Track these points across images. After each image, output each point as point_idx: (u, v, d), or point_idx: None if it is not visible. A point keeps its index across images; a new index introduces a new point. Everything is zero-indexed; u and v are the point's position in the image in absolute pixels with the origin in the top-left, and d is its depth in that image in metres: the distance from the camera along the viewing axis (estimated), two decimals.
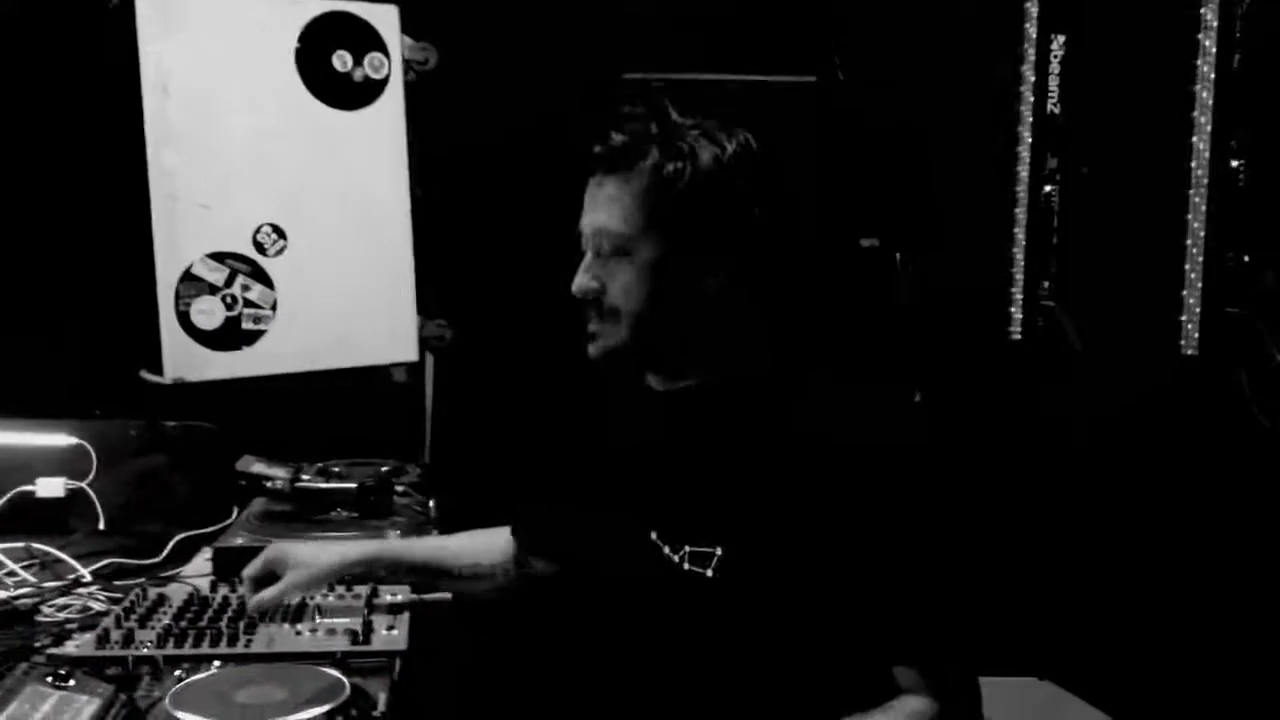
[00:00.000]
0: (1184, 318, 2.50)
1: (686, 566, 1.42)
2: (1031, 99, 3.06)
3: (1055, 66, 3.06)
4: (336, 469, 2.26)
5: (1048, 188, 3.06)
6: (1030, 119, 3.06)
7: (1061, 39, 3.03)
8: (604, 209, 1.42)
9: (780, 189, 1.42)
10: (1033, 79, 3.07)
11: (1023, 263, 3.05)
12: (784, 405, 1.42)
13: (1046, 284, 3.04)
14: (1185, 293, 2.48)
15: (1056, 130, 3.08)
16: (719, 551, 1.40)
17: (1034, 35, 3.13)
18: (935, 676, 1.37)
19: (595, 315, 1.45)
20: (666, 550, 1.45)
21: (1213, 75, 2.45)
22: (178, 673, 1.40)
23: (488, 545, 1.81)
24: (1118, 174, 2.86)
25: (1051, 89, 3.06)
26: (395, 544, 1.84)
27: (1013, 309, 3.08)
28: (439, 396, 2.88)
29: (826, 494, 1.35)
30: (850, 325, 2.89)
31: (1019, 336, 3.09)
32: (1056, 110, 3.04)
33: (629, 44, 3.00)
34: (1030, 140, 3.07)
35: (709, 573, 1.40)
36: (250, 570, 1.62)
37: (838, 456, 1.36)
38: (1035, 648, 2.63)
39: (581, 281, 1.45)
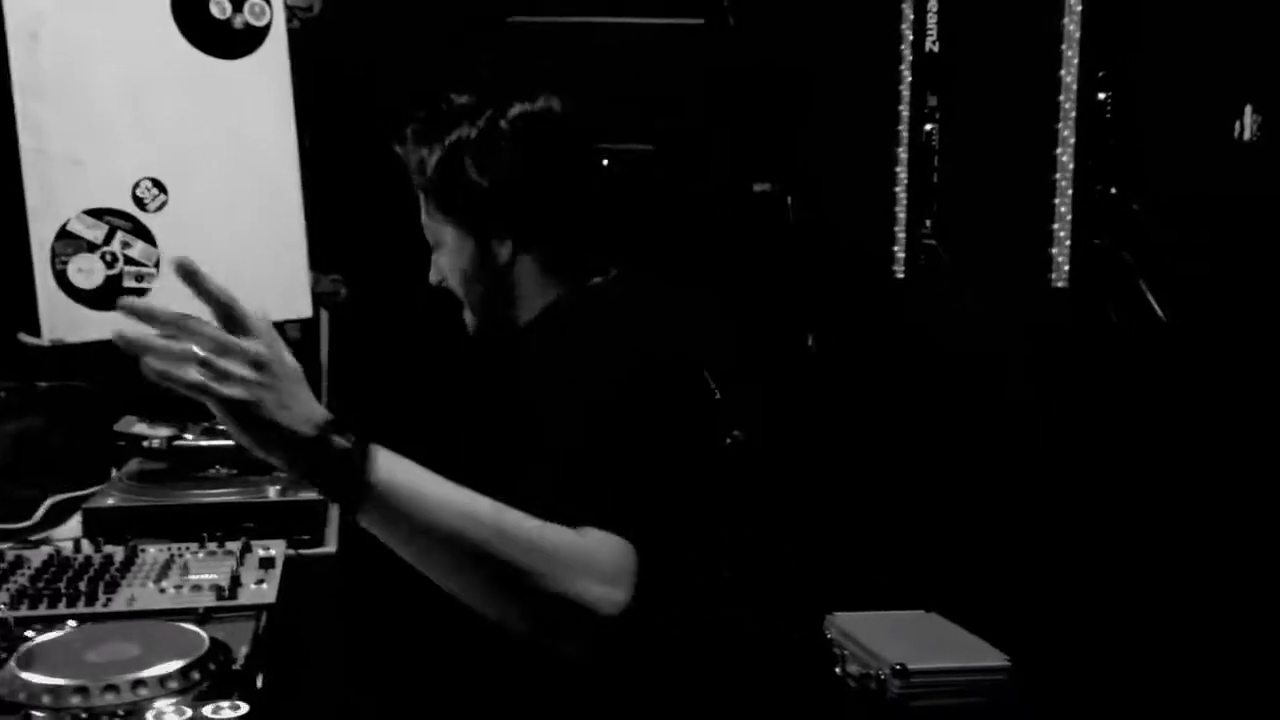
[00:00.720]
0: (1054, 250, 2.55)
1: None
2: (911, 37, 3.07)
3: (934, 4, 3.06)
4: (222, 427, 2.22)
5: (928, 126, 3.08)
6: (910, 57, 3.07)
7: None
8: (422, 209, 1.60)
9: (550, 151, 1.52)
10: (912, 17, 3.07)
11: (905, 201, 3.07)
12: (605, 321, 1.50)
13: (928, 222, 3.07)
14: (1055, 226, 2.52)
15: (936, 68, 3.09)
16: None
17: None
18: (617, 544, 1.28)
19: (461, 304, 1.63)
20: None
21: (1079, 7, 2.46)
22: (29, 633, 1.37)
23: None
24: (992, 110, 2.89)
25: (930, 27, 3.07)
26: None
27: (895, 248, 3.11)
28: (334, 352, 2.84)
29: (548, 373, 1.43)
30: (743, 269, 2.90)
31: (902, 275, 3.13)
32: (936, 48, 3.05)
33: None
34: (910, 79, 3.08)
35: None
36: None
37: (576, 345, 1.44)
38: (923, 583, 2.69)
39: (430, 275, 1.64)
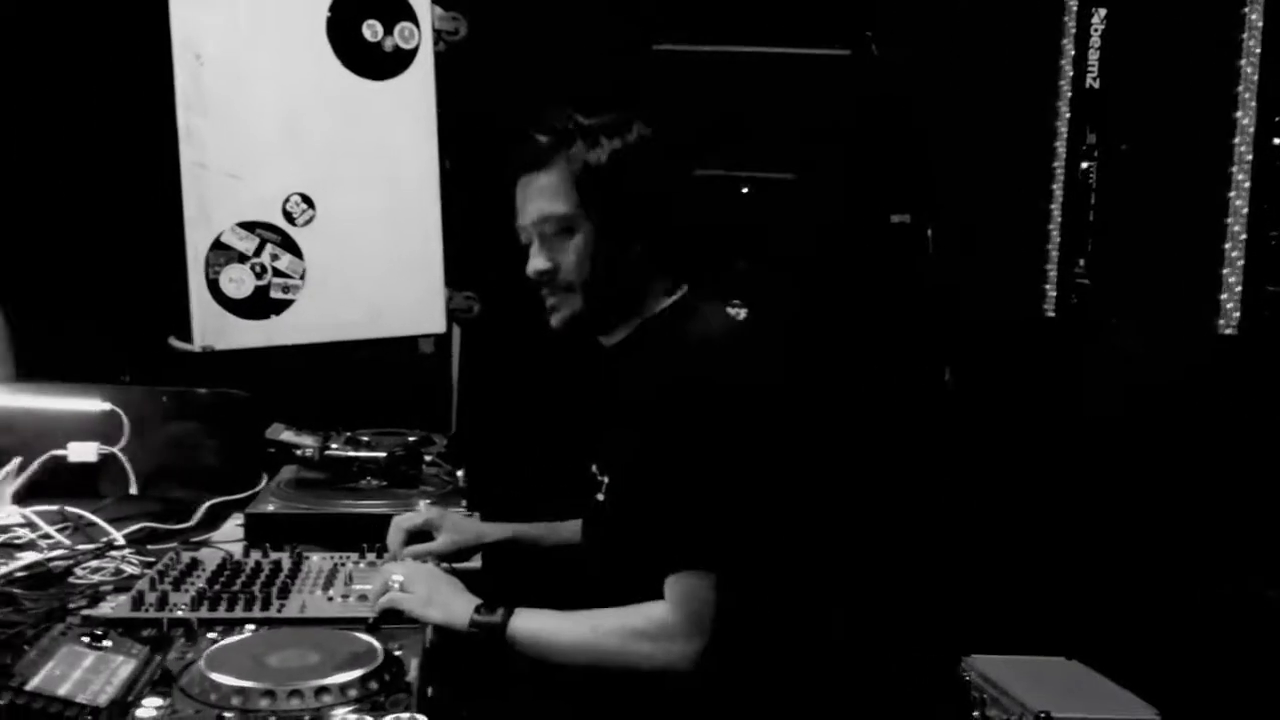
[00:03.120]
0: (1224, 296, 2.46)
1: (598, 495, 1.68)
2: (1071, 73, 3.02)
3: (1095, 40, 3.01)
4: (364, 438, 2.26)
5: (1085, 164, 3.02)
6: (1069, 93, 3.02)
7: (1103, 12, 2.99)
8: (543, 198, 1.62)
9: (676, 172, 1.67)
10: (1073, 53, 3.02)
11: (1058, 239, 3.01)
12: (668, 352, 1.61)
13: (1082, 261, 3.00)
14: (1226, 271, 2.44)
15: (1096, 105, 3.03)
16: (606, 480, 1.66)
17: (1074, 8, 3.09)
18: (681, 590, 1.48)
19: (550, 292, 1.66)
20: (598, 479, 1.69)
21: (1259, 50, 2.39)
22: (211, 635, 1.41)
23: None
24: (1157, 150, 2.81)
25: (1091, 63, 3.02)
26: (526, 528, 1.99)
27: (1047, 286, 3.04)
28: (465, 368, 2.88)
29: (653, 422, 1.54)
30: (879, 300, 2.87)
31: (1053, 314, 3.06)
32: (1096, 85, 2.99)
33: (660, 14, 2.97)
34: (1069, 115, 3.02)
35: (601, 497, 1.67)
36: (408, 523, 1.84)
37: (676, 393, 1.54)
38: (1065, 628, 2.62)
39: (536, 264, 1.64)
